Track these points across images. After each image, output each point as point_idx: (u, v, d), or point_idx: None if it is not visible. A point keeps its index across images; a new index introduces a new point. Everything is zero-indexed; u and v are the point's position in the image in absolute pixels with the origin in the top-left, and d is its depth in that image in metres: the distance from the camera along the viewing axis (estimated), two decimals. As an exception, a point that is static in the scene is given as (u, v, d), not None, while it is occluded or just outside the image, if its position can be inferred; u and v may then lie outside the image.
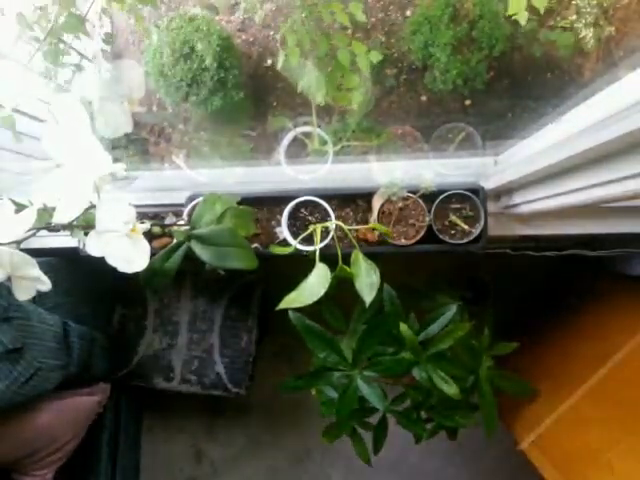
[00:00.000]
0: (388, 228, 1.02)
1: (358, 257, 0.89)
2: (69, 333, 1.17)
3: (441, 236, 1.02)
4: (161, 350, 1.41)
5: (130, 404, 1.63)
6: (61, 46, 0.73)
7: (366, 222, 1.09)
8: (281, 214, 1.05)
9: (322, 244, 0.97)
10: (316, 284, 0.83)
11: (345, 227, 0.97)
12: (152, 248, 0.67)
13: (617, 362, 1.09)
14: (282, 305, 0.84)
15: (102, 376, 1.33)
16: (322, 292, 0.81)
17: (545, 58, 1.31)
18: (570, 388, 1.14)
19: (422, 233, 1.02)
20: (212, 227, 0.84)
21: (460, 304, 1.05)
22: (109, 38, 0.86)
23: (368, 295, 0.85)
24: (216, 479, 1.81)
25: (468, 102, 1.35)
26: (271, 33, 1.35)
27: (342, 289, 0.89)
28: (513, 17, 0.66)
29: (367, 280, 0.86)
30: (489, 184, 1.04)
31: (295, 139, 1.14)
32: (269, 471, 1.81)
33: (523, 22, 0.64)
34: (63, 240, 1.11)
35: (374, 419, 1.15)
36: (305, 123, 1.14)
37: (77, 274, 1.31)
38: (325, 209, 1.04)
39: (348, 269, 0.88)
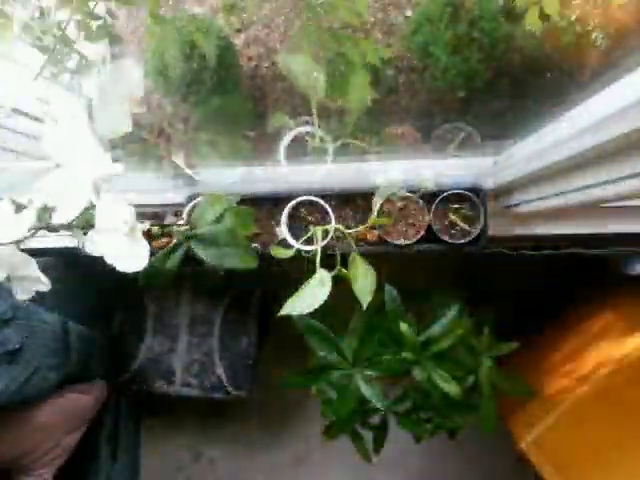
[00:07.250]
0: (389, 220, 1.01)
1: (356, 259, 0.89)
2: (68, 333, 1.16)
3: (441, 236, 1.02)
4: (161, 354, 1.41)
5: (130, 404, 1.63)
6: (61, 46, 0.73)
7: (366, 222, 1.08)
8: (281, 214, 1.05)
9: (322, 244, 0.97)
10: (317, 291, 0.83)
11: (345, 230, 0.97)
12: (152, 248, 0.67)
13: (617, 362, 1.09)
14: (282, 312, 0.84)
15: (102, 377, 1.32)
16: (323, 299, 0.82)
17: (545, 58, 1.31)
18: (570, 388, 1.14)
19: (422, 233, 1.02)
20: (212, 227, 0.84)
21: (460, 304, 1.05)
22: (116, 39, 0.86)
23: (365, 298, 0.86)
24: (216, 479, 1.81)
25: (468, 102, 1.34)
26: (271, 33, 1.35)
27: (343, 287, 0.89)
28: (513, 16, 0.66)
29: (364, 283, 0.86)
30: (489, 184, 1.04)
31: (295, 138, 1.14)
32: (269, 471, 1.81)
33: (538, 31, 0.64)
34: (63, 240, 1.11)
35: (374, 419, 1.15)
36: (306, 122, 1.14)
37: (77, 274, 1.31)
38: (325, 209, 1.04)
39: (346, 271, 0.88)
